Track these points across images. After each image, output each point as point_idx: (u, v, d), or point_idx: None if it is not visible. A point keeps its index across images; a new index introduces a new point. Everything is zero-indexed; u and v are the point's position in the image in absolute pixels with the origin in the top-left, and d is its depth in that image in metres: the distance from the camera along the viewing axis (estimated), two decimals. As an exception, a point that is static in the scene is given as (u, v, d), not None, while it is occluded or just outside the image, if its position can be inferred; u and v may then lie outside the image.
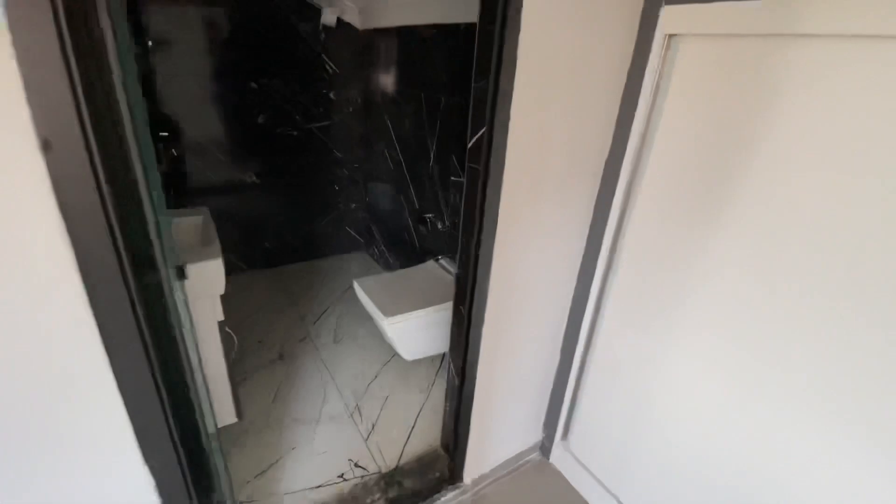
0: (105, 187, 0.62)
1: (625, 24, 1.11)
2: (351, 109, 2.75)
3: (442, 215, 2.16)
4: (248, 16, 2.25)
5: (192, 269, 1.16)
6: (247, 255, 2.78)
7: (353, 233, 3.16)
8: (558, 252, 1.34)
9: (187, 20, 2.11)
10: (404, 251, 2.63)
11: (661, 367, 1.23)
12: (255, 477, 1.49)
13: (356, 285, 1.91)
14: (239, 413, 1.50)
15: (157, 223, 0.71)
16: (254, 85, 2.40)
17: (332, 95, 2.66)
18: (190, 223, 1.54)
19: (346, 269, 2.97)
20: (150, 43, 1.93)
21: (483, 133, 1.08)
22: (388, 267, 2.89)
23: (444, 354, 2.12)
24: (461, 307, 1.30)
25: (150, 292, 0.73)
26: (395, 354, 2.13)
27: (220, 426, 1.47)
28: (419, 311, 1.75)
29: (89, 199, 0.62)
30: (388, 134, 2.51)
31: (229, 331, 1.36)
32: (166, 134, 2.10)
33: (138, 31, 1.96)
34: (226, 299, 2.43)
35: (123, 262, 0.66)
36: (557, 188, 1.21)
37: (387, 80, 2.43)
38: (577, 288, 1.43)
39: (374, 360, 2.11)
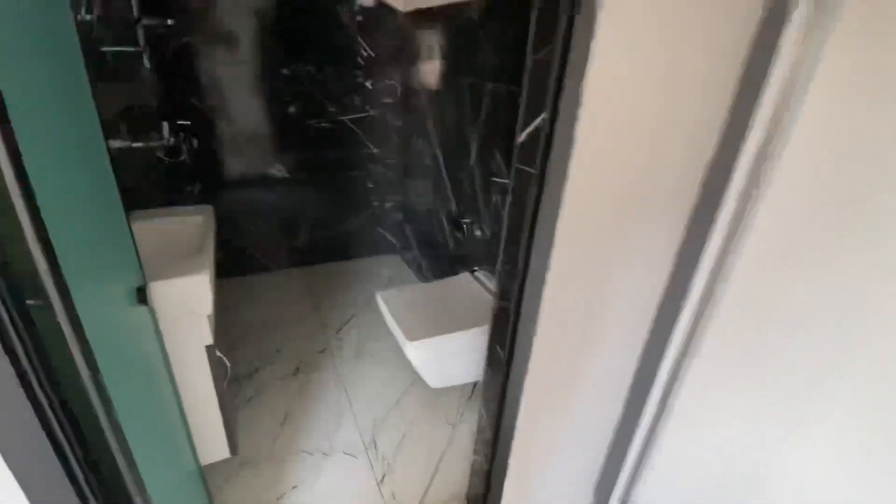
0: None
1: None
2: (389, 100, 2.52)
3: (481, 221, 1.88)
4: None
5: (172, 286, 0.96)
6: (273, 254, 2.63)
7: (386, 234, 2.94)
8: (633, 283, 1.02)
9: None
10: (438, 258, 2.37)
11: (786, 446, 0.89)
12: (249, 519, 1.28)
13: (379, 299, 1.66)
14: (233, 447, 1.30)
15: (47, 238, 0.48)
16: (285, 71, 2.21)
17: (368, 84, 2.43)
18: (185, 225, 1.35)
19: (377, 274, 2.76)
20: (170, 22, 1.78)
21: (541, 122, 0.79)
22: (421, 273, 2.65)
23: (475, 383, 1.84)
24: (498, 348, 1.02)
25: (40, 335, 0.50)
26: (420, 377, 1.87)
27: (210, 462, 1.27)
28: (447, 335, 1.48)
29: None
30: (427, 127, 2.25)
31: (221, 355, 1.15)
32: (187, 123, 1.95)
33: (160, 9, 1.81)
34: (249, 301, 2.28)
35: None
36: (639, 199, 0.90)
37: (428, 67, 2.17)
38: (654, 329, 1.10)
39: (397, 382, 1.87)
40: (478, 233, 1.93)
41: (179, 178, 2.14)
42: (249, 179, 2.37)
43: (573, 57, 0.72)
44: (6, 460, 0.51)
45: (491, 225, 1.81)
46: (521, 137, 0.85)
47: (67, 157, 0.63)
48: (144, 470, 0.67)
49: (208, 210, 1.41)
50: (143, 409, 0.80)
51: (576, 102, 0.74)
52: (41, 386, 0.50)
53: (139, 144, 1.81)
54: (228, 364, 1.17)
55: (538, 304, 0.90)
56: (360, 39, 2.30)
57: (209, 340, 1.08)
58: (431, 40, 2.11)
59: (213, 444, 1.23)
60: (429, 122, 2.23)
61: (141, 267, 0.87)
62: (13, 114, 0.44)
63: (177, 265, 1.02)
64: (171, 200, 2.18)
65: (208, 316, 1.06)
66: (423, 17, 2.15)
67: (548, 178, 0.79)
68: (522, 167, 0.85)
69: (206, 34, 1.97)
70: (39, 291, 0.48)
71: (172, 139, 1.89)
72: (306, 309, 2.33)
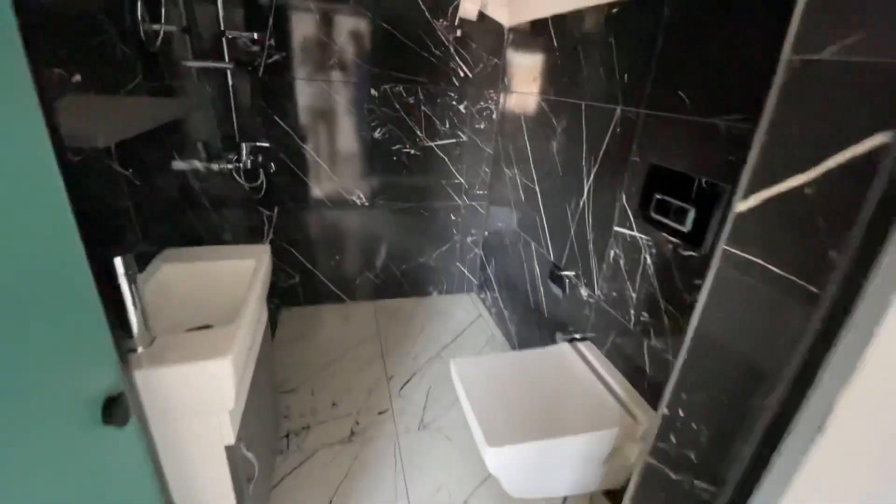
0: None
1: None
2: (482, 125, 2.23)
3: (591, 279, 1.47)
4: (380, 9, 1.88)
5: (181, 374, 0.71)
6: (345, 285, 2.43)
7: (465, 271, 2.62)
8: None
9: (307, 12, 1.82)
10: (525, 310, 1.98)
11: None
12: None
13: (453, 371, 1.32)
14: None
15: None
16: (374, 93, 2.03)
17: (461, 107, 2.17)
18: (227, 273, 1.11)
19: (451, 315, 2.44)
20: (256, 36, 1.66)
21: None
22: (501, 320, 2.27)
23: (565, 498, 1.41)
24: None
25: None
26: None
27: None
28: (539, 442, 1.09)
29: None
30: (526, 155, 1.91)
31: (248, 454, 0.89)
32: (266, 145, 1.82)
33: (250, 23, 1.71)
34: (313, 335, 2.07)
35: None
36: None
37: (532, 87, 1.84)
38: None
39: (466, 472, 1.49)
40: (583, 291, 1.52)
41: (255, 202, 2.03)
42: (327, 206, 2.20)
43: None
44: None
45: (606, 287, 1.39)
46: (752, 197, 0.47)
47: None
48: None
49: (262, 251, 1.19)
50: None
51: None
52: None
53: (215, 166, 1.70)
54: (256, 463, 0.91)
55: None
56: (456, 58, 2.06)
57: (230, 440, 0.82)
58: (538, 57, 1.78)
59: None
60: (527, 151, 1.89)
61: (122, 359, 0.62)
62: None
63: (194, 342, 0.78)
64: (247, 225, 2.07)
65: (229, 409, 0.80)
66: (531, 31, 1.84)
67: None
68: (735, 249, 0.47)
69: (295, 52, 1.85)
70: None
71: (250, 161, 1.76)
72: (371, 352, 2.07)
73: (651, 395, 1.21)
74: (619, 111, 1.30)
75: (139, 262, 0.85)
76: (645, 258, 1.21)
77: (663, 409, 0.67)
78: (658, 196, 1.13)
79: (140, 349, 0.75)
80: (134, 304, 0.71)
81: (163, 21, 1.20)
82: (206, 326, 0.99)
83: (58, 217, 0.49)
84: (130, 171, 1.03)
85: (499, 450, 1.06)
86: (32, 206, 0.46)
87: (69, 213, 0.50)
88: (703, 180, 1.01)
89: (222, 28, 1.61)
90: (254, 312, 0.97)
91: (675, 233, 1.09)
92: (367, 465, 1.49)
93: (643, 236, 1.21)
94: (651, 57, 1.17)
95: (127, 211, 1.02)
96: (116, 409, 0.54)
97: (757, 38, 0.88)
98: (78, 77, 0.87)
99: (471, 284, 2.68)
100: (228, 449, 0.82)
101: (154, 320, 0.98)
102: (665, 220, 1.11)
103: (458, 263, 2.59)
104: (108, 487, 0.58)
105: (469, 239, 2.53)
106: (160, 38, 1.17)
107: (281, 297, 2.34)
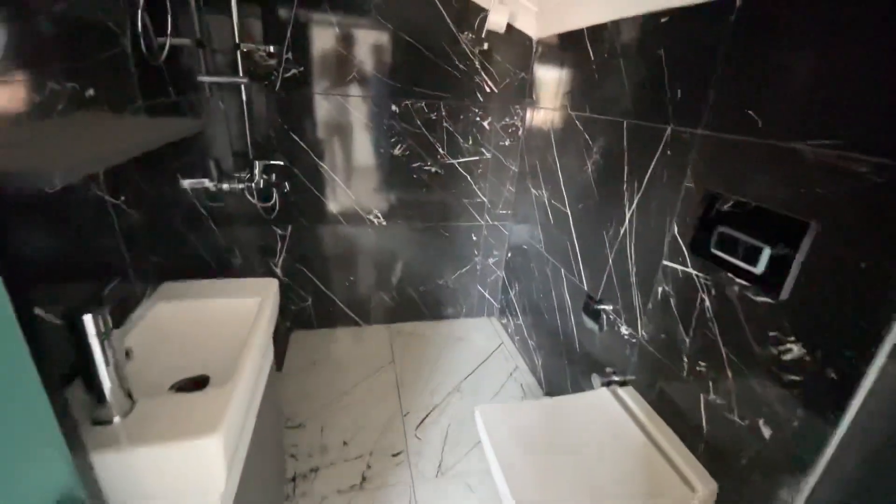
0: None
1: None
2: (507, 142, 2.11)
3: (634, 315, 1.31)
4: (403, 22, 1.79)
5: (160, 455, 0.58)
6: (361, 307, 2.31)
7: (486, 294, 2.48)
8: None
9: (327, 25, 1.73)
10: (553, 341, 1.83)
11: None
12: None
13: (479, 421, 1.17)
14: None
15: None
16: (395, 108, 1.92)
17: (486, 124, 2.05)
18: (229, 315, 0.99)
19: (471, 341, 2.29)
20: (272, 49, 1.57)
21: None
22: (525, 349, 2.11)
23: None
24: None
25: None
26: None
27: None
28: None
29: None
30: (555, 175, 1.77)
31: None
32: (280, 163, 1.72)
33: (273, 39, 1.62)
34: (327, 361, 1.95)
35: None
36: None
37: (564, 103, 1.71)
38: None
39: (490, 529, 1.34)
40: (624, 329, 1.36)
41: (268, 222, 1.93)
42: (343, 225, 2.09)
43: None
44: None
45: (651, 327, 1.23)
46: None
47: None
48: None
49: (268, 286, 1.07)
50: None
51: None
52: None
53: (226, 186, 1.60)
54: None
55: None
56: (482, 72, 1.94)
57: None
58: (571, 71, 1.65)
59: None
60: (557, 171, 1.75)
61: (76, 452, 0.49)
62: None
63: (179, 410, 0.65)
64: (259, 244, 1.97)
65: (221, 493, 0.67)
66: (563, 43, 1.71)
67: None
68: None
69: (313, 66, 1.76)
70: None
71: (263, 180, 1.66)
72: (386, 384, 1.93)
73: (708, 458, 1.04)
74: (669, 131, 1.16)
75: (132, 301, 0.74)
76: (702, 299, 1.05)
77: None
78: (722, 230, 0.97)
79: (116, 419, 0.63)
80: (108, 365, 0.60)
81: (169, 33, 1.11)
82: (203, 378, 0.87)
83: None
84: (123, 198, 0.92)
85: (534, 525, 0.90)
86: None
87: None
88: (784, 215, 0.85)
89: (237, 41, 1.53)
90: (254, 363, 0.84)
91: (742, 273, 0.93)
92: (380, 518, 1.35)
93: (700, 274, 1.05)
94: (710, 70, 1.02)
95: (115, 248, 0.91)
96: None
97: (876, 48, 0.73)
98: (91, 91, 0.78)
99: (492, 308, 2.53)
100: None
101: (143, 367, 0.86)
102: (730, 259, 0.95)
103: (478, 286, 2.45)
104: None
105: (491, 261, 2.39)
106: (165, 52, 1.08)
107: (293, 320, 2.23)
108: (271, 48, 1.58)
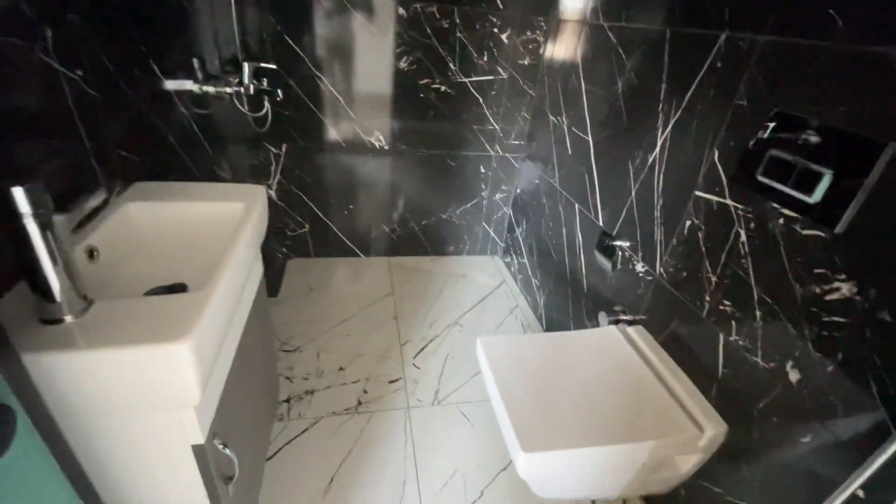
0: None
1: None
2: (527, 60, 1.90)
3: (653, 252, 1.21)
4: None
5: (126, 359, 0.51)
6: (361, 238, 2.22)
7: (491, 231, 2.38)
8: None
9: None
10: (559, 281, 1.75)
11: None
12: None
13: (481, 352, 1.12)
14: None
15: None
16: (402, 12, 1.70)
17: (503, 37, 1.83)
18: (213, 217, 0.88)
19: (473, 278, 2.22)
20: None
21: None
22: (528, 288, 2.05)
23: (593, 501, 1.23)
24: None
25: None
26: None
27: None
28: (582, 450, 0.89)
29: None
30: (579, 100, 1.60)
31: (226, 452, 0.70)
32: (272, 67, 1.54)
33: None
34: (325, 289, 1.89)
35: None
36: None
37: (595, 11, 1.49)
38: None
39: (485, 457, 1.34)
40: (640, 266, 1.27)
41: (260, 137, 1.78)
42: (342, 148, 1.94)
43: None
44: None
45: (672, 264, 1.14)
46: None
47: None
48: None
49: (256, 193, 0.95)
50: None
51: None
52: None
53: (210, 89, 1.44)
54: (236, 459, 0.73)
55: None
56: (503, -26, 1.70)
57: (199, 439, 0.63)
58: (611, -28, 1.43)
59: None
60: (581, 95, 1.57)
61: (8, 355, 0.41)
62: None
63: (146, 313, 0.57)
64: (250, 163, 1.84)
65: (195, 407, 0.60)
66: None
67: None
68: None
69: (312, -47, 1.52)
70: None
71: (253, 86, 1.49)
72: (385, 314, 1.89)
73: (721, 400, 0.99)
74: (723, 38, 0.99)
75: (94, 198, 0.63)
76: (737, 233, 0.94)
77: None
78: (774, 153, 0.85)
79: (68, 318, 0.55)
80: (52, 256, 0.50)
81: None
82: (180, 286, 0.79)
83: None
84: (80, 73, 0.79)
85: (534, 456, 0.87)
86: None
87: None
88: (855, 135, 0.72)
89: None
90: (236, 273, 0.75)
91: (792, 203, 0.82)
92: (375, 440, 1.34)
93: (739, 206, 0.94)
94: (790, -44, 0.84)
95: (71, 131, 0.77)
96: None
97: None
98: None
99: (496, 246, 2.44)
100: (197, 448, 0.64)
101: (111, 273, 0.77)
102: (779, 187, 0.83)
103: (483, 223, 2.34)
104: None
105: (498, 196, 2.26)
106: None
107: (289, 247, 2.15)
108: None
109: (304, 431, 1.34)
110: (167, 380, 0.55)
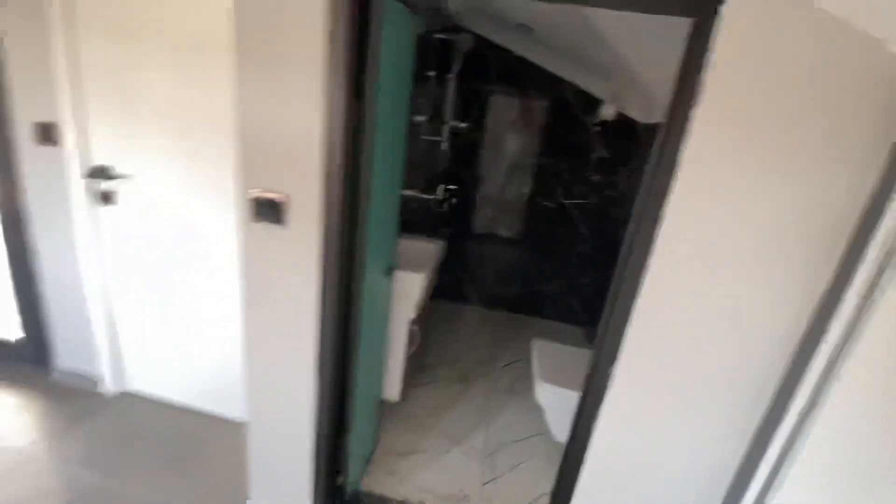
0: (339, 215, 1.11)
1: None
2: (609, 193, 2.90)
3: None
4: (548, 104, 2.79)
5: (400, 275, 1.64)
6: (482, 292, 3.31)
7: (574, 306, 3.23)
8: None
9: (503, 102, 2.83)
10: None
11: None
12: (388, 456, 1.85)
13: (534, 343, 2.03)
14: (403, 395, 1.92)
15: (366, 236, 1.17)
16: (531, 161, 2.91)
17: (594, 178, 2.88)
18: (426, 247, 2.12)
19: (552, 335, 3.07)
20: (470, 125, 2.72)
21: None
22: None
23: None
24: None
25: (351, 273, 1.18)
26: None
27: (384, 398, 1.92)
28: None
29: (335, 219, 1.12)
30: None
31: (415, 328, 1.80)
32: (454, 187, 2.85)
33: (461, 117, 2.78)
34: (456, 321, 3.00)
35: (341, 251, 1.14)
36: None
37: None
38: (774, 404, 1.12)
39: (529, 424, 2.14)
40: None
41: (440, 222, 3.10)
42: (483, 233, 3.14)
43: (672, 194, 1.01)
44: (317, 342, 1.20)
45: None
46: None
47: (388, 188, 1.36)
48: (360, 378, 1.31)
49: (441, 244, 2.15)
50: (371, 336, 1.47)
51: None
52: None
53: (422, 195, 2.79)
54: (419, 336, 1.81)
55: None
56: (597, 143, 2.80)
57: (412, 315, 1.74)
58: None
59: (391, 386, 1.88)
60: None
61: (393, 257, 1.58)
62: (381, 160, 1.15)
63: (410, 266, 1.73)
64: (430, 233, 3.15)
65: (415, 302, 1.72)
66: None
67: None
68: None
69: (488, 133, 2.87)
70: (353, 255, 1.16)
71: (442, 196, 2.81)
72: (487, 340, 2.87)
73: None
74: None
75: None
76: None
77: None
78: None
79: (389, 268, 1.74)
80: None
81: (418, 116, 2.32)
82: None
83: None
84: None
85: (547, 385, 1.74)
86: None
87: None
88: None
89: (446, 119, 2.74)
90: (433, 265, 1.91)
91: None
92: (468, 396, 2.28)
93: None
94: None
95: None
96: (390, 272, 1.52)
97: None
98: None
99: (577, 318, 3.26)
100: (409, 321, 1.74)
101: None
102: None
103: (571, 299, 3.22)
104: (382, 297, 1.54)
105: (583, 280, 3.15)
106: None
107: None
108: (463, 123, 2.74)
109: (430, 381, 2.35)
110: (413, 286, 1.70)
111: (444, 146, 2.82)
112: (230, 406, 1.88)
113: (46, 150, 1.73)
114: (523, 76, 2.75)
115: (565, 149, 2.85)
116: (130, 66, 1.56)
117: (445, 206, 2.90)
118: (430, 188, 2.77)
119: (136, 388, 2.03)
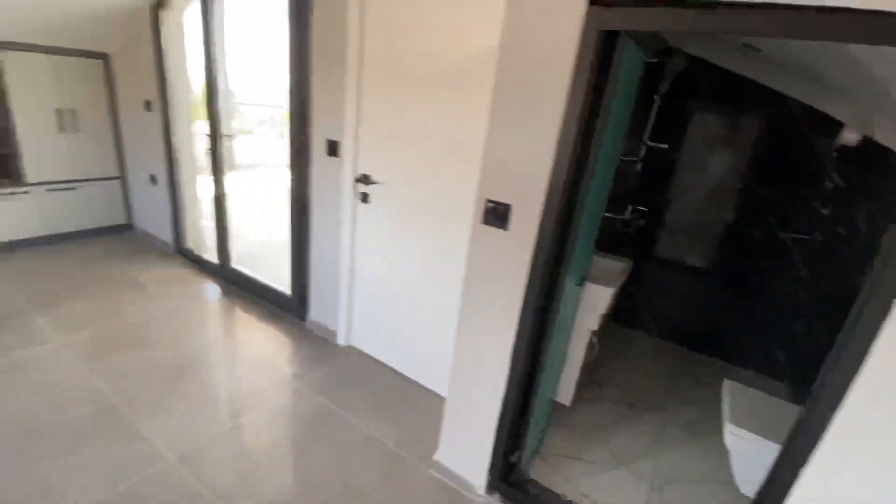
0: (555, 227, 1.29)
1: None
2: (841, 230, 2.44)
3: None
4: (763, 123, 2.53)
5: (590, 287, 1.74)
6: (660, 323, 3.14)
7: (772, 353, 2.79)
8: None
9: (707, 121, 2.68)
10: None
11: None
12: (554, 456, 1.95)
13: (726, 384, 1.88)
14: (573, 403, 2.00)
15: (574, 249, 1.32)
16: (738, 185, 2.66)
17: (823, 211, 2.47)
18: (613, 264, 2.16)
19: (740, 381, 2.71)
20: (663, 146, 2.65)
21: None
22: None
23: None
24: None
25: (553, 277, 1.36)
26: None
27: (556, 399, 2.03)
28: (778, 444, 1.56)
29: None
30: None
31: (594, 340, 1.87)
32: (643, 209, 2.79)
33: (661, 139, 2.72)
34: (629, 348, 2.94)
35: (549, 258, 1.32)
36: None
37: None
38: None
39: (708, 469, 1.99)
40: None
41: (623, 242, 3.06)
42: (668, 258, 2.98)
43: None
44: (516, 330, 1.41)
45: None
46: None
47: (595, 205, 1.50)
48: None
49: (629, 262, 2.17)
50: (557, 338, 1.62)
51: None
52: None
53: (611, 215, 2.81)
54: (597, 345, 1.88)
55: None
56: (833, 170, 2.40)
57: (594, 327, 1.82)
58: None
59: (565, 390, 1.98)
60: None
61: (587, 269, 1.70)
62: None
63: (599, 279, 1.82)
64: (612, 252, 3.14)
65: (600, 314, 1.80)
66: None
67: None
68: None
69: (686, 154, 2.74)
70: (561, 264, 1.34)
71: (629, 216, 2.78)
72: (659, 371, 2.72)
73: None
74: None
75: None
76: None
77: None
78: None
79: (579, 279, 1.87)
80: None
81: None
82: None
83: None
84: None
85: (737, 429, 1.62)
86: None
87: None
88: None
89: (646, 139, 2.71)
90: (620, 282, 1.96)
91: None
92: (638, 426, 2.23)
93: None
94: None
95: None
96: (581, 281, 1.65)
97: None
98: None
99: (774, 371, 2.80)
100: (591, 332, 1.83)
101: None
102: None
103: (768, 343, 2.79)
104: (571, 304, 1.69)
105: (794, 327, 2.70)
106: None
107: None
108: (663, 145, 2.68)
109: (595, 400, 2.38)
110: (600, 299, 1.80)
111: (638, 166, 2.80)
112: (428, 376, 2.27)
113: (330, 159, 2.39)
114: (733, 92, 2.55)
115: (785, 174, 2.52)
116: (394, 99, 2.06)
117: (632, 227, 2.86)
118: (619, 208, 2.78)
119: (358, 344, 2.60)
